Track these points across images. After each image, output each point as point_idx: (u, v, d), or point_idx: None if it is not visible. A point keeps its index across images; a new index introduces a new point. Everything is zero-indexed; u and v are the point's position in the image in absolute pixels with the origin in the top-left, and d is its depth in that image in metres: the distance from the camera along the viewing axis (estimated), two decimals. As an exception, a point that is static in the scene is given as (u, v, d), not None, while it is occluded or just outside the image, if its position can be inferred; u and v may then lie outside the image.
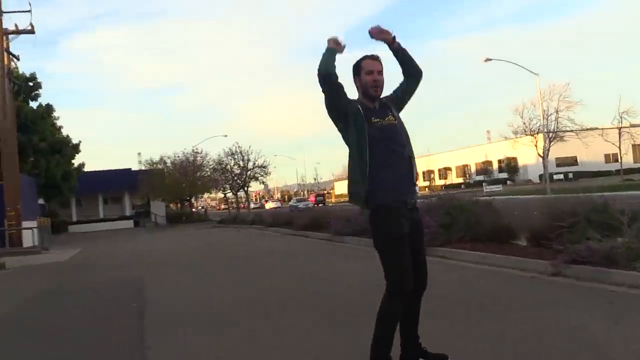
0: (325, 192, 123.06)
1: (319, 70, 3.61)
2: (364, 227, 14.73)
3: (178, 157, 49.68)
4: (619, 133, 47.12)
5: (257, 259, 13.09)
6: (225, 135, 46.80)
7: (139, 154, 55.14)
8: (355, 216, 15.60)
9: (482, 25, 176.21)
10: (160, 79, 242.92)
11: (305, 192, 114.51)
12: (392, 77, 3.88)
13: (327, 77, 3.60)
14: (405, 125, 3.82)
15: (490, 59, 38.57)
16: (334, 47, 3.64)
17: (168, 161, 50.87)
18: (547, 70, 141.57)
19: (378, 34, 3.78)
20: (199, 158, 48.26)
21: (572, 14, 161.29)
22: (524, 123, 47.00)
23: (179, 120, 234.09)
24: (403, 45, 3.83)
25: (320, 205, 54.24)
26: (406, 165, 3.67)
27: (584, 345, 4.26)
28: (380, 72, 3.68)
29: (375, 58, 3.72)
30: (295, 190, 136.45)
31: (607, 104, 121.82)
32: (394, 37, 3.79)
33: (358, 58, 3.79)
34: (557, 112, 45.31)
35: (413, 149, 3.78)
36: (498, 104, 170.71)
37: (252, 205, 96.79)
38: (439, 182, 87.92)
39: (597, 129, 50.03)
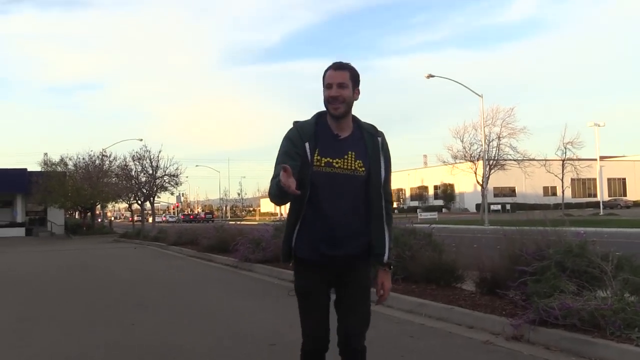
0: (250, 208, 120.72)
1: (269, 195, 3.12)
2: (276, 253, 12.80)
3: (83, 159, 46.18)
4: (563, 165, 47.29)
5: (133, 292, 10.89)
6: (141, 139, 43.09)
7: (46, 154, 50.68)
8: (268, 240, 13.63)
9: (427, 46, 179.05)
10: (77, 75, 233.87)
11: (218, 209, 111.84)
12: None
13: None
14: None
15: (433, 76, 37.72)
16: (284, 186, 2.78)
17: (70, 163, 47.22)
18: (492, 95, 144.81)
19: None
20: (107, 162, 44.99)
21: (519, 40, 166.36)
22: (464, 148, 46.71)
23: (96, 121, 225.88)
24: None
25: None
26: (342, 219, 3.14)
27: None
28: (342, 85, 3.13)
29: (338, 67, 3.18)
30: (217, 205, 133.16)
31: (551, 134, 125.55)
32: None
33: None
34: (499, 138, 45.24)
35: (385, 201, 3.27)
36: (438, 127, 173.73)
37: (167, 218, 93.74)
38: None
39: (539, 160, 50.26)
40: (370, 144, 3.21)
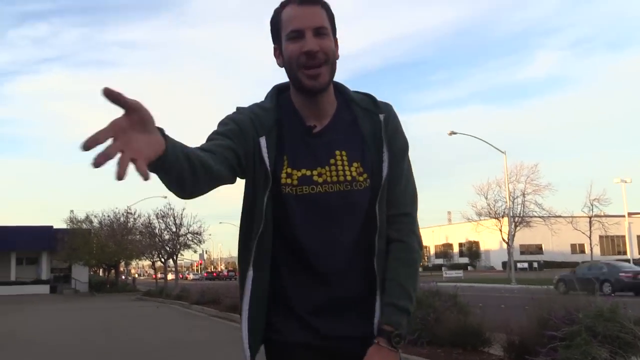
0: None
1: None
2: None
3: (108, 216, 46.82)
4: (590, 222, 46.61)
5: (151, 356, 10.76)
6: (165, 197, 43.59)
7: (72, 211, 51.16)
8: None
9: (448, 103, 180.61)
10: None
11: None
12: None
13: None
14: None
15: (455, 133, 37.84)
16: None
17: (95, 220, 47.84)
18: (516, 151, 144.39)
19: None
20: (131, 220, 45.48)
21: (542, 96, 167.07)
22: (488, 204, 46.45)
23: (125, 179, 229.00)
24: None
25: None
26: (341, 268, 1.77)
27: None
28: (321, 31, 1.68)
29: (306, 1, 1.70)
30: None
31: (576, 190, 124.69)
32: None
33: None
34: (523, 194, 44.91)
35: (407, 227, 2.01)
36: (461, 184, 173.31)
37: (191, 276, 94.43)
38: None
39: (565, 217, 49.68)
40: (370, 128, 1.81)
